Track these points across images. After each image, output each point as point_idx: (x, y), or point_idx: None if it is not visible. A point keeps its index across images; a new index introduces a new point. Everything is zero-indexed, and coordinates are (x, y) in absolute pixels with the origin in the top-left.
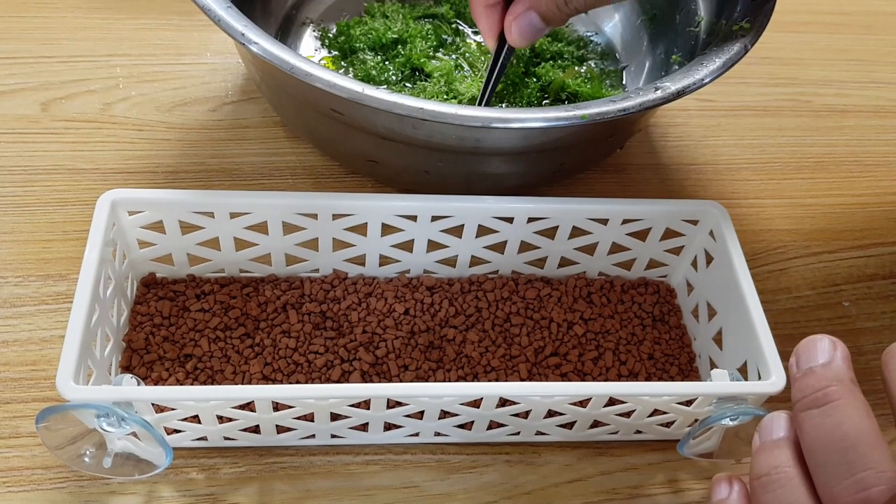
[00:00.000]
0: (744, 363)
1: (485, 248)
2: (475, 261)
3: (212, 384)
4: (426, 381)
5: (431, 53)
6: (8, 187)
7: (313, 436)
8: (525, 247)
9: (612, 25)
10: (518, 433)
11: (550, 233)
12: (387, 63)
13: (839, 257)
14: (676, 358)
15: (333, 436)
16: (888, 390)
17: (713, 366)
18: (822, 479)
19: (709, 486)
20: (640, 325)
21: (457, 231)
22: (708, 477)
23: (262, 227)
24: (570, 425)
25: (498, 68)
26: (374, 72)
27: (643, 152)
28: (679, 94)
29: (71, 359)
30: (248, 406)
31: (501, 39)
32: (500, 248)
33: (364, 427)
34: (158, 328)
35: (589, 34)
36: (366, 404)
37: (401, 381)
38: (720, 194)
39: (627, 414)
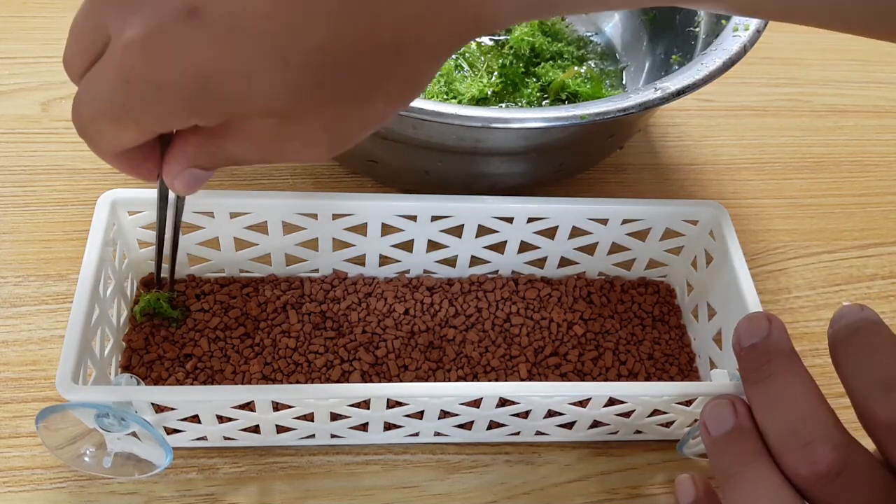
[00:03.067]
0: None
1: (485, 248)
2: (475, 261)
3: (212, 384)
4: (426, 381)
5: None
6: (8, 187)
7: (313, 435)
8: (525, 247)
9: (612, 25)
10: (518, 433)
11: (550, 233)
12: None
13: (839, 257)
14: (676, 358)
15: (333, 435)
16: (841, 377)
17: (713, 366)
18: (779, 453)
19: (673, 488)
20: (640, 325)
21: (457, 231)
22: (708, 477)
23: (261, 227)
24: (569, 425)
25: (173, 219)
26: None
27: (643, 152)
28: (679, 94)
29: (71, 358)
30: (248, 406)
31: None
32: (500, 248)
33: (364, 427)
34: (158, 328)
35: (589, 34)
36: (365, 404)
37: (401, 381)
38: (720, 194)
39: (627, 414)
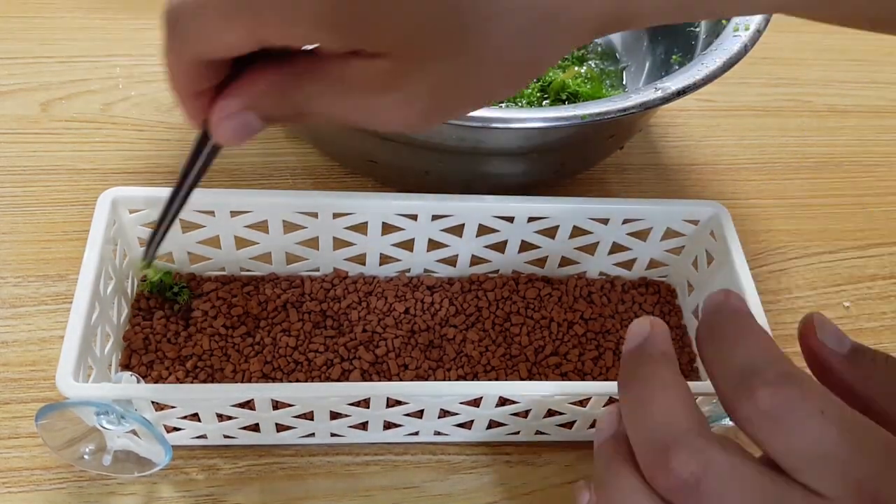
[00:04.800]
0: None
1: (485, 247)
2: (475, 260)
3: (212, 382)
4: (426, 379)
5: None
6: (8, 187)
7: (313, 434)
8: (525, 246)
9: None
10: (518, 433)
11: (551, 232)
12: None
13: (839, 257)
14: (677, 358)
15: (333, 434)
16: (707, 372)
17: None
18: (640, 461)
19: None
20: None
21: (457, 230)
22: None
23: (262, 226)
24: (569, 425)
25: (200, 166)
26: None
27: (643, 152)
28: (679, 94)
29: (71, 356)
30: (248, 404)
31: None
32: (500, 247)
33: (364, 426)
34: (160, 330)
35: None
36: (365, 403)
37: (400, 380)
38: (720, 194)
39: None
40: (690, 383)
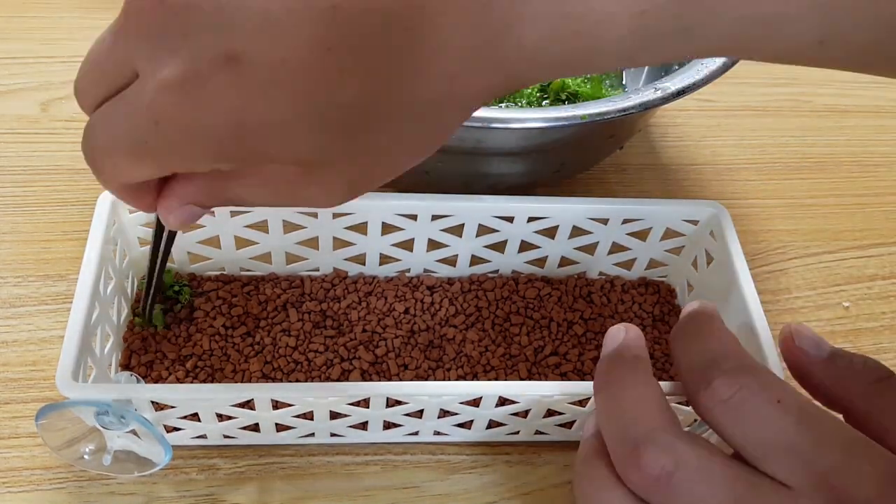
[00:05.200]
0: None
1: (485, 247)
2: (475, 260)
3: (212, 382)
4: (426, 379)
5: None
6: (8, 187)
7: (312, 434)
8: (525, 246)
9: None
10: (517, 432)
11: (550, 232)
12: None
13: (839, 257)
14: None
15: (333, 434)
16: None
17: None
18: (613, 459)
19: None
20: (640, 325)
21: (457, 230)
22: None
23: (262, 226)
24: (569, 425)
25: (165, 243)
26: None
27: (643, 152)
28: (679, 94)
29: (70, 356)
30: (248, 404)
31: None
32: (500, 247)
33: (363, 426)
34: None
35: None
36: (365, 403)
37: (400, 380)
38: (720, 194)
39: None
40: (664, 384)
